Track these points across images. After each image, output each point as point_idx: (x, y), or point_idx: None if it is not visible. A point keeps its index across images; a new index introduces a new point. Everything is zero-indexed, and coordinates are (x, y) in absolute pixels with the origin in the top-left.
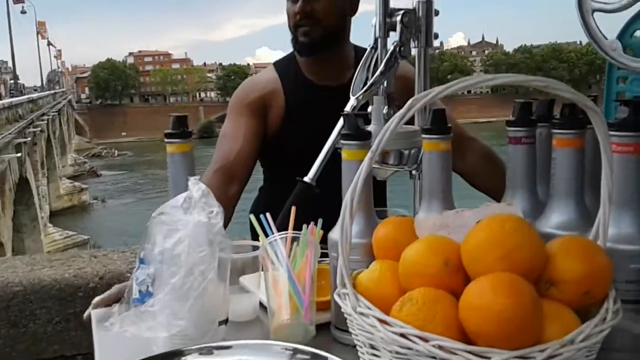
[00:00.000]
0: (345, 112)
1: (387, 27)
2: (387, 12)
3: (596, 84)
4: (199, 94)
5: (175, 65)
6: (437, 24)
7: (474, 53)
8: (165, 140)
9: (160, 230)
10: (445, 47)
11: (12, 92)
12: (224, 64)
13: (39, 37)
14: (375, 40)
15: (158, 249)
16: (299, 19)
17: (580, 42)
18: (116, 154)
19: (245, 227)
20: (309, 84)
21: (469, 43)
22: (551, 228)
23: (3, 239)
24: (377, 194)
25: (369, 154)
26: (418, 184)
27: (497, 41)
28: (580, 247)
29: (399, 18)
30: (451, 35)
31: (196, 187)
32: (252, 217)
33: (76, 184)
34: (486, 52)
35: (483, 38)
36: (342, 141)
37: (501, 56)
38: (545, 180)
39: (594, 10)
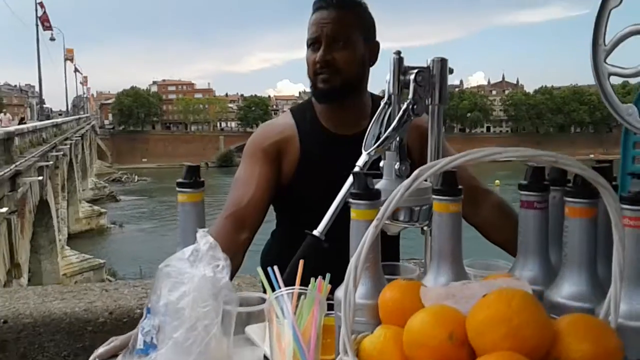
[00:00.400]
0: (355, 171)
1: (400, 84)
2: (401, 70)
3: (617, 127)
4: (220, 123)
5: (198, 95)
6: (458, 62)
7: (493, 92)
8: (177, 189)
9: (166, 282)
10: (465, 86)
11: (41, 116)
12: (245, 95)
13: (67, 63)
14: (389, 96)
15: (163, 301)
16: (319, 67)
17: None
18: (136, 180)
19: (257, 261)
20: (325, 131)
21: (489, 82)
22: (562, 298)
23: (20, 260)
24: (389, 246)
25: (374, 222)
26: (429, 240)
27: (517, 81)
28: (589, 327)
29: (412, 77)
30: (471, 74)
31: (204, 240)
32: (260, 270)
33: (95, 207)
34: (506, 91)
35: (503, 78)
36: (351, 200)
37: (521, 96)
38: (558, 245)
39: (610, 74)
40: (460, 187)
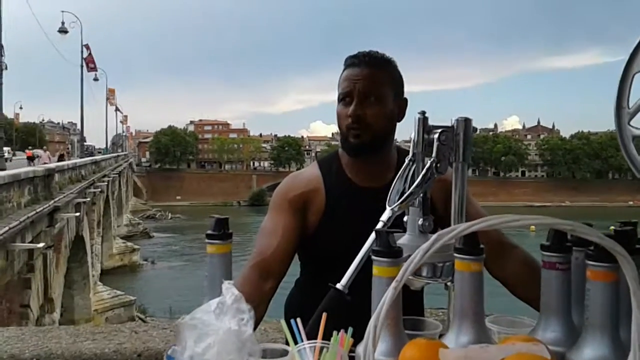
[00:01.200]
0: (377, 229)
1: (425, 143)
2: (425, 129)
3: None
4: (253, 162)
5: (233, 135)
6: (491, 106)
7: (528, 137)
8: (206, 240)
9: (191, 334)
10: (499, 129)
11: (85, 152)
12: (279, 135)
13: (108, 103)
14: (414, 154)
15: (188, 353)
16: (350, 122)
17: None
18: (169, 217)
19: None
20: (351, 183)
21: (524, 126)
22: None
23: (54, 295)
24: (413, 299)
25: (393, 284)
26: (452, 295)
27: (553, 126)
28: None
29: (436, 136)
30: (506, 117)
31: (229, 292)
32: (283, 322)
33: (129, 244)
34: (542, 136)
35: (539, 122)
36: (373, 257)
37: (557, 141)
38: (581, 305)
39: (634, 137)
40: (482, 246)
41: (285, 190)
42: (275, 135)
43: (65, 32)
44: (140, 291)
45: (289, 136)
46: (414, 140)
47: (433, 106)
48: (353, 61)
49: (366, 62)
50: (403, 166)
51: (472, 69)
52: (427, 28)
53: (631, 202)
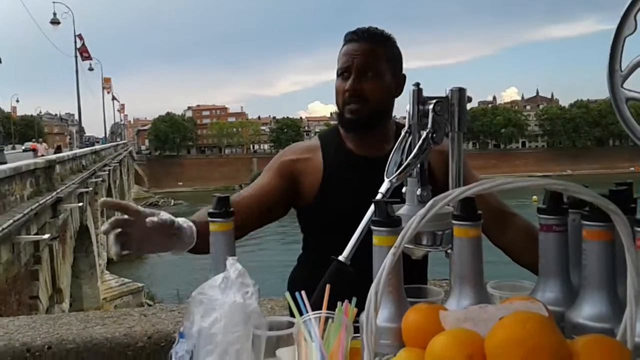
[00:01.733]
0: (376, 199)
1: (420, 114)
2: (420, 101)
3: None
4: (253, 146)
5: (231, 119)
6: (490, 79)
7: (528, 107)
8: (208, 219)
9: (198, 309)
10: (498, 102)
11: (86, 143)
12: (277, 117)
13: (104, 92)
14: (410, 125)
15: (196, 327)
16: (348, 96)
17: None
18: (172, 203)
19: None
20: (350, 153)
21: (522, 97)
22: (583, 319)
23: (62, 285)
24: (416, 269)
25: (392, 250)
26: (452, 262)
27: (552, 96)
28: (605, 348)
29: (431, 107)
30: (504, 89)
31: (233, 267)
32: (288, 294)
33: None
34: (541, 106)
35: (537, 92)
36: (373, 227)
37: (556, 110)
38: (579, 266)
39: (627, 99)
40: (479, 212)
41: (281, 154)
42: (274, 118)
43: (58, 23)
44: (147, 278)
45: (287, 118)
46: (409, 112)
47: (431, 81)
48: (352, 37)
49: (365, 37)
50: (400, 138)
51: (468, 42)
52: (422, 2)
53: (632, 168)
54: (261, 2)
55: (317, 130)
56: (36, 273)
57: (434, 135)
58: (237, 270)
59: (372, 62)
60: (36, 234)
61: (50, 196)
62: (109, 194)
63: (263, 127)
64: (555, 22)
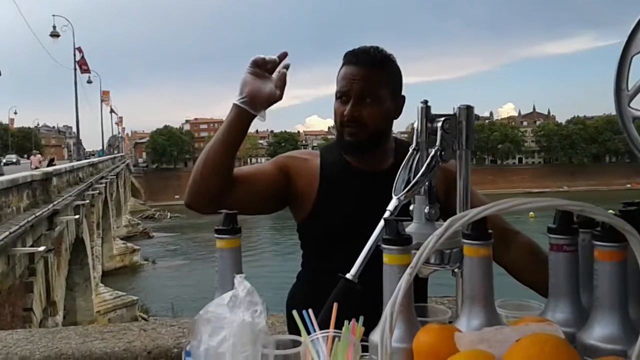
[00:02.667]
0: (386, 217)
1: (428, 132)
2: (428, 118)
3: None
4: (250, 159)
5: None
6: (487, 94)
7: (525, 123)
8: (215, 235)
9: (206, 327)
10: (495, 117)
11: (86, 156)
12: (275, 131)
13: (103, 104)
14: (417, 143)
15: (204, 347)
16: (346, 121)
17: None
18: (168, 216)
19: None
20: (348, 165)
21: (519, 113)
22: (595, 340)
23: (56, 298)
24: (418, 286)
25: (408, 270)
26: (460, 282)
27: (548, 112)
28: None
29: (440, 124)
30: (501, 105)
31: (242, 285)
32: (295, 313)
33: (129, 244)
34: (537, 122)
35: (534, 109)
36: (384, 245)
37: (553, 127)
38: (590, 287)
39: (634, 118)
40: (490, 230)
41: (282, 154)
42: (272, 131)
43: (57, 35)
44: (142, 291)
45: (285, 131)
46: (417, 129)
47: (429, 97)
48: (350, 59)
49: (363, 61)
50: (407, 156)
51: (466, 58)
52: (420, 18)
53: (629, 185)
54: (259, 17)
55: (314, 144)
56: (31, 285)
57: (443, 152)
58: (246, 288)
59: (370, 87)
60: (32, 245)
61: (46, 208)
62: (105, 206)
63: (261, 141)
64: (553, 39)
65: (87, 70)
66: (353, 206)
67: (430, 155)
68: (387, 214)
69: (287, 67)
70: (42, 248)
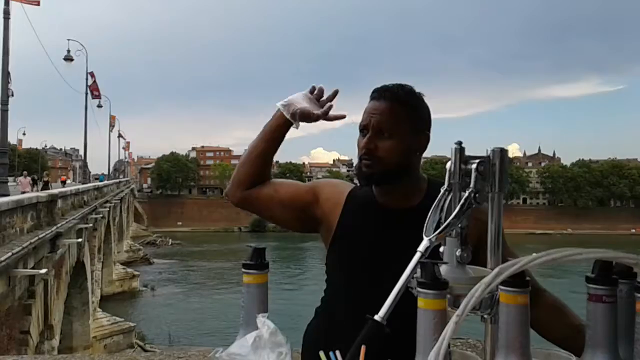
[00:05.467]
0: (423, 260)
1: (461, 173)
2: (462, 159)
3: None
4: None
5: (235, 161)
6: (493, 134)
7: (529, 164)
8: (243, 270)
9: None
10: None
11: (95, 178)
12: (280, 161)
13: (111, 129)
14: (450, 184)
15: None
16: (363, 154)
17: None
18: (170, 243)
19: None
20: (372, 199)
21: (524, 154)
22: None
23: (54, 322)
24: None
25: (454, 318)
26: (489, 328)
27: (554, 154)
28: None
29: (474, 166)
30: (506, 145)
31: (265, 326)
32: (322, 354)
33: (129, 270)
34: (542, 164)
35: (539, 150)
36: (419, 289)
37: (558, 169)
38: (628, 339)
39: None
40: (528, 278)
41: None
42: (277, 162)
43: (71, 60)
44: (139, 318)
45: (290, 162)
46: (449, 171)
47: (433, 134)
48: (373, 95)
49: (385, 96)
50: (439, 196)
51: (471, 97)
52: (426, 55)
53: (634, 230)
54: (267, 49)
55: (319, 176)
56: (29, 307)
57: (477, 195)
58: (270, 328)
59: (388, 122)
60: (33, 267)
61: (50, 230)
62: (107, 230)
63: None
64: (558, 82)
65: (98, 96)
66: (371, 240)
67: (464, 197)
68: (418, 255)
69: (335, 94)
70: (43, 271)
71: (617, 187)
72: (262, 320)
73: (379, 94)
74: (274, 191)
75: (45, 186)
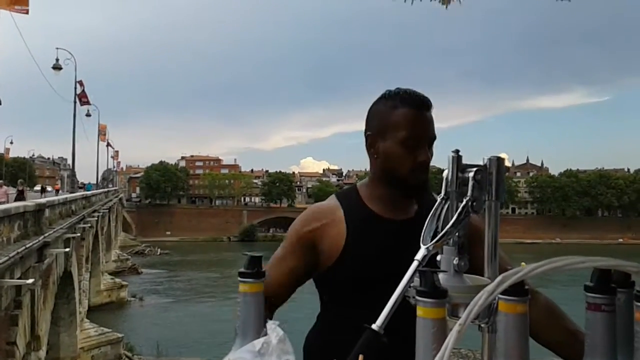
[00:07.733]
0: (421, 269)
1: (459, 181)
2: (459, 168)
3: None
4: (244, 198)
5: (224, 170)
6: (481, 144)
7: (518, 174)
8: (239, 279)
9: None
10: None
11: (79, 187)
12: (270, 171)
13: (100, 138)
14: (447, 192)
15: None
16: (419, 166)
17: (628, 169)
18: (158, 252)
19: None
20: (373, 214)
21: (513, 164)
22: None
23: (41, 332)
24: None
25: (456, 327)
26: (487, 337)
27: (542, 163)
28: None
29: (471, 175)
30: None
31: (275, 332)
32: None
33: (117, 280)
34: (531, 173)
35: (528, 160)
36: (418, 297)
37: (546, 178)
38: (626, 348)
39: None
40: (527, 287)
41: (300, 225)
42: (267, 171)
43: (60, 68)
44: (127, 328)
45: (280, 172)
46: (447, 179)
47: None
48: (417, 104)
49: (426, 105)
50: (436, 205)
51: (458, 107)
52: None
53: (621, 240)
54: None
55: (309, 185)
56: (16, 318)
57: (474, 203)
58: (278, 335)
59: (434, 132)
60: (20, 277)
61: (37, 240)
62: (95, 239)
63: (255, 180)
64: (545, 93)
65: (87, 103)
66: (379, 254)
67: (462, 206)
68: (415, 264)
69: None
70: (30, 281)
71: (605, 196)
72: (272, 326)
73: (424, 103)
74: (283, 294)
75: (20, 195)
